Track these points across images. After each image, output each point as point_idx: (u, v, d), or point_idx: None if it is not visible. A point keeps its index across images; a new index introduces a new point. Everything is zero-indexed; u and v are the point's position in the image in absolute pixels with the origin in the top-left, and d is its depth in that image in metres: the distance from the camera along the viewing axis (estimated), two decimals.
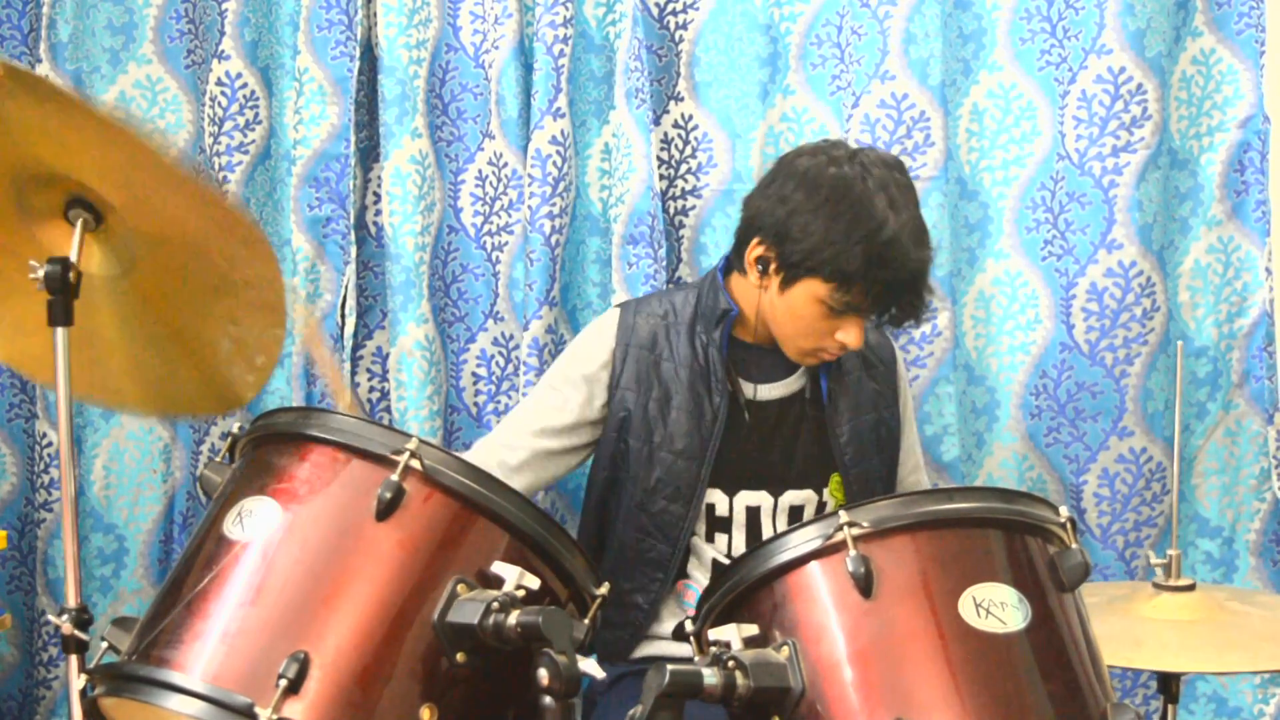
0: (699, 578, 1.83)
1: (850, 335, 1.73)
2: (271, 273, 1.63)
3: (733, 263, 1.85)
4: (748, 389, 1.84)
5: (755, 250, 1.76)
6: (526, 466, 1.83)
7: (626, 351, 1.84)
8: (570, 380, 1.86)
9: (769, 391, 1.85)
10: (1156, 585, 1.72)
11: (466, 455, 1.63)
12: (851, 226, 1.67)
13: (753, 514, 1.82)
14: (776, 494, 1.83)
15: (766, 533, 1.81)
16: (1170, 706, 1.75)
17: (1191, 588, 1.70)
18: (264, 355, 1.75)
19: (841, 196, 1.69)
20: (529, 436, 1.84)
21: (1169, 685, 1.76)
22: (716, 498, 1.82)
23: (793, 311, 1.75)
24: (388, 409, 2.33)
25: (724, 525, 1.83)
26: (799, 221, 1.70)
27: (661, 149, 2.29)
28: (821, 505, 1.85)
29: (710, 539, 1.83)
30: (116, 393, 1.87)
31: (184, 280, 1.69)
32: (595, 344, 1.87)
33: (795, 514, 1.83)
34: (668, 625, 1.81)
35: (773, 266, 1.74)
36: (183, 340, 1.75)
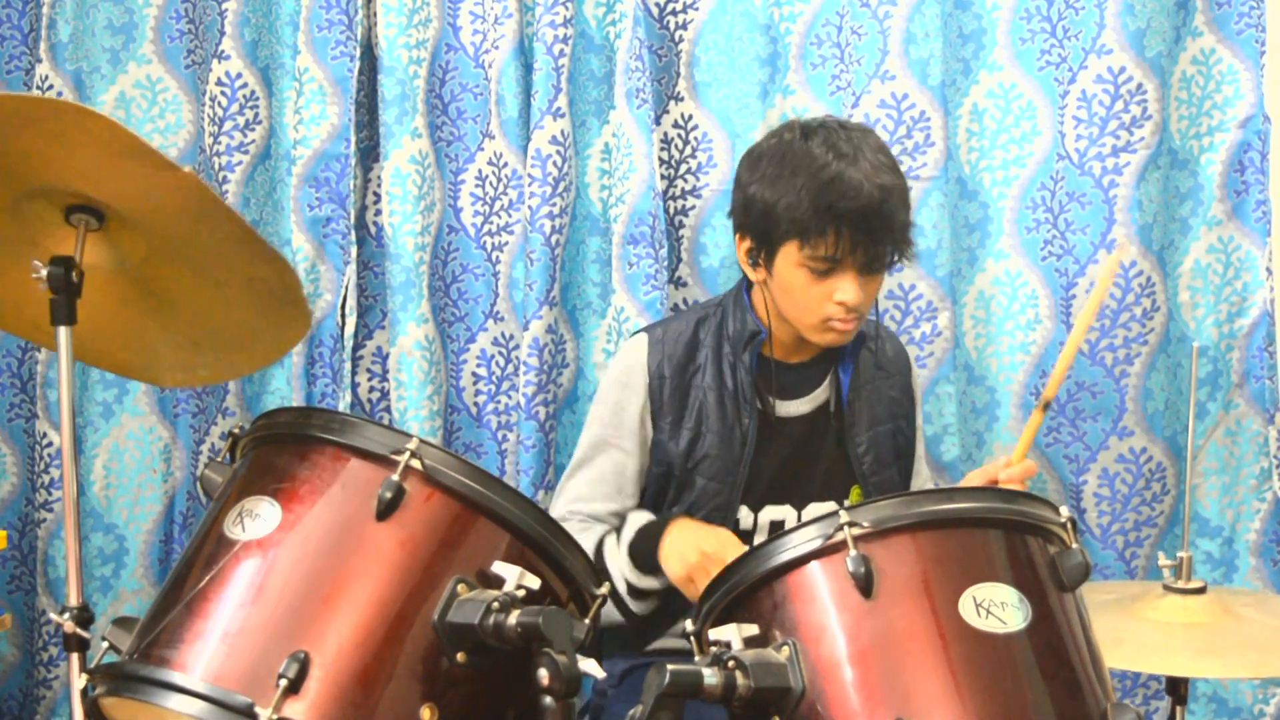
0: None
1: (846, 292, 1.71)
2: (278, 269, 1.64)
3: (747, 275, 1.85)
4: (775, 406, 1.83)
5: (741, 247, 1.79)
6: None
7: (662, 383, 1.83)
8: (624, 433, 1.84)
9: (796, 407, 1.85)
10: (1166, 587, 1.71)
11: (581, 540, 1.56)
12: (793, 177, 1.70)
13: (776, 528, 1.82)
14: (800, 507, 1.83)
15: None
16: (1179, 709, 1.75)
17: (1202, 590, 1.70)
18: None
19: (781, 158, 1.73)
20: (611, 503, 1.84)
21: (1177, 687, 1.76)
22: (742, 513, 1.82)
23: (786, 288, 1.75)
24: (388, 409, 2.33)
25: (746, 539, 1.82)
26: (754, 196, 1.75)
27: (661, 149, 2.29)
28: None
29: None
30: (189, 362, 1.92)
31: (193, 271, 1.72)
32: (630, 388, 1.85)
33: None
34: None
35: (758, 254, 1.76)
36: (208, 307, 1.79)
